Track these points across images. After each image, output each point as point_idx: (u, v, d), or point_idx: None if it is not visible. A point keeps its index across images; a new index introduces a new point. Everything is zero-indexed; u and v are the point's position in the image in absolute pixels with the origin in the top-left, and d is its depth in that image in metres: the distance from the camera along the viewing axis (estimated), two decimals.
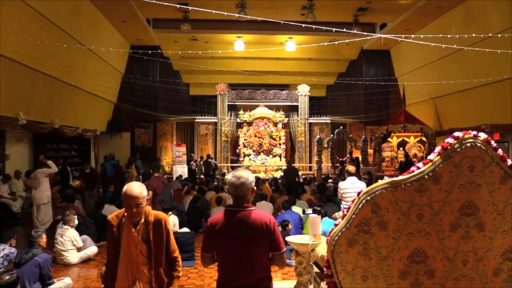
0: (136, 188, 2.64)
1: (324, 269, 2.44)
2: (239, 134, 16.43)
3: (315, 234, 3.92)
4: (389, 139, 13.88)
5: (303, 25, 9.53)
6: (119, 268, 2.62)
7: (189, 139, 16.28)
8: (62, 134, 10.86)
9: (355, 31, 11.34)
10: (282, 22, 7.04)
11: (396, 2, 11.28)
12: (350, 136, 15.38)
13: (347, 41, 11.93)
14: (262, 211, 2.63)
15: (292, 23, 7.30)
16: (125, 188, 2.66)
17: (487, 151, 2.18)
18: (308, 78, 16.79)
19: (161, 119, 15.92)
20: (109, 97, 14.21)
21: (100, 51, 10.98)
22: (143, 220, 2.69)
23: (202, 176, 13.33)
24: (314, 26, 8.70)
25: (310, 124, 16.50)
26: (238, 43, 14.07)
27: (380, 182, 2.24)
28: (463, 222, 2.23)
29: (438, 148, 2.20)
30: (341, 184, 5.85)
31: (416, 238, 2.22)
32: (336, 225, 2.34)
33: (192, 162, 14.43)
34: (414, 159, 13.22)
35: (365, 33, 10.19)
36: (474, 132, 2.20)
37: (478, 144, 2.17)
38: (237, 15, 7.93)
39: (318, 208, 4.61)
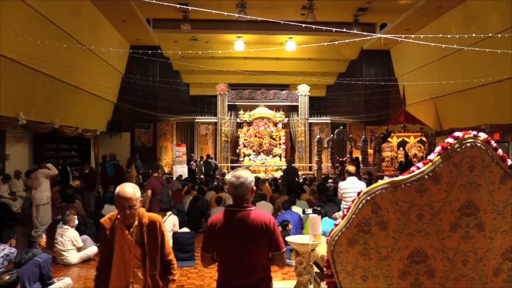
0: (129, 189, 2.58)
1: (324, 269, 2.44)
2: (239, 134, 16.43)
3: (315, 234, 3.92)
4: (389, 139, 13.89)
5: (303, 25, 9.53)
6: (112, 272, 2.55)
7: (189, 139, 16.28)
8: (62, 134, 10.86)
9: (355, 31, 11.34)
10: (282, 22, 7.04)
11: (396, 2, 11.28)
12: (350, 136, 15.37)
13: (347, 41, 11.93)
14: (262, 211, 2.62)
15: (292, 23, 7.30)
16: (118, 189, 2.60)
17: (487, 151, 2.18)
18: (308, 78, 16.79)
19: (161, 119, 15.92)
20: (109, 97, 14.21)
21: (100, 51, 10.98)
22: (136, 222, 2.62)
23: (202, 176, 13.33)
24: (314, 26, 8.70)
25: (310, 124, 16.50)
26: (238, 43, 14.07)
27: (380, 182, 2.24)
28: (463, 222, 2.23)
29: (438, 148, 2.20)
30: (341, 184, 5.85)
31: (416, 238, 2.22)
32: (336, 225, 2.34)
33: (192, 162, 14.43)
34: (414, 159, 13.23)
35: (365, 33, 10.18)
36: (474, 132, 2.20)
37: (478, 144, 2.17)
38: (237, 15, 7.93)
39: (318, 208, 4.61)
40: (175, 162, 14.64)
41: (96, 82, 11.73)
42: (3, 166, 10.83)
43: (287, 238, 4.25)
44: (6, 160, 10.99)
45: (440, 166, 2.16)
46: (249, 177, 2.55)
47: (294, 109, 16.67)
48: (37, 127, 9.42)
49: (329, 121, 16.64)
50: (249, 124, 16.46)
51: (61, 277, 5.08)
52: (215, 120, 16.12)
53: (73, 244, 6.24)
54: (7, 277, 3.73)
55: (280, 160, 16.11)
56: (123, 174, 11.26)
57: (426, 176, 2.16)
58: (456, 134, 2.19)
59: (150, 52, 12.25)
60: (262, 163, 15.94)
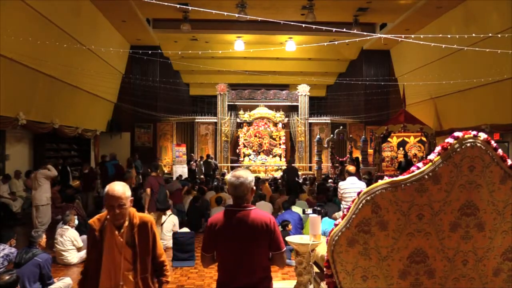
0: (119, 188, 2.46)
1: (324, 269, 2.44)
2: (239, 134, 16.42)
3: (315, 234, 3.92)
4: (389, 139, 13.89)
5: (303, 25, 9.53)
6: (101, 275, 2.41)
7: (189, 139, 16.27)
8: (62, 134, 10.86)
9: (355, 31, 11.34)
10: (282, 22, 7.04)
11: (396, 2, 11.28)
12: (350, 136, 15.37)
13: (347, 41, 11.93)
14: (262, 211, 2.63)
15: (292, 23, 7.30)
16: (107, 188, 2.48)
17: (487, 151, 2.18)
18: (308, 78, 16.79)
19: (161, 119, 15.91)
20: (109, 97, 14.22)
21: (100, 51, 10.98)
22: (127, 222, 2.49)
23: (202, 176, 13.33)
24: (314, 26, 8.70)
25: (310, 124, 16.50)
26: (238, 43, 14.07)
27: (380, 182, 2.24)
28: (463, 222, 2.23)
29: (438, 148, 2.20)
30: (341, 184, 5.85)
31: (416, 238, 2.22)
32: (336, 225, 2.34)
33: (192, 162, 14.43)
34: (414, 159, 13.23)
35: (365, 33, 10.19)
36: (474, 132, 2.20)
37: (478, 144, 2.17)
38: (237, 15, 7.93)
39: (318, 208, 4.60)
40: (175, 162, 14.63)
41: (96, 82, 11.73)
42: (3, 166, 10.82)
43: (287, 238, 4.24)
44: (6, 160, 10.98)
45: (440, 166, 2.16)
46: (249, 177, 2.55)
47: (294, 109, 16.67)
48: (37, 127, 9.43)
49: (329, 121, 16.64)
50: (249, 124, 16.45)
51: (61, 277, 5.07)
52: (215, 120, 16.12)
53: (73, 244, 6.24)
54: (7, 277, 3.73)
55: (280, 160, 16.10)
56: (124, 174, 11.24)
57: (426, 176, 2.16)
58: (456, 134, 2.19)
59: (150, 52, 12.26)
60: (262, 163, 15.94)
